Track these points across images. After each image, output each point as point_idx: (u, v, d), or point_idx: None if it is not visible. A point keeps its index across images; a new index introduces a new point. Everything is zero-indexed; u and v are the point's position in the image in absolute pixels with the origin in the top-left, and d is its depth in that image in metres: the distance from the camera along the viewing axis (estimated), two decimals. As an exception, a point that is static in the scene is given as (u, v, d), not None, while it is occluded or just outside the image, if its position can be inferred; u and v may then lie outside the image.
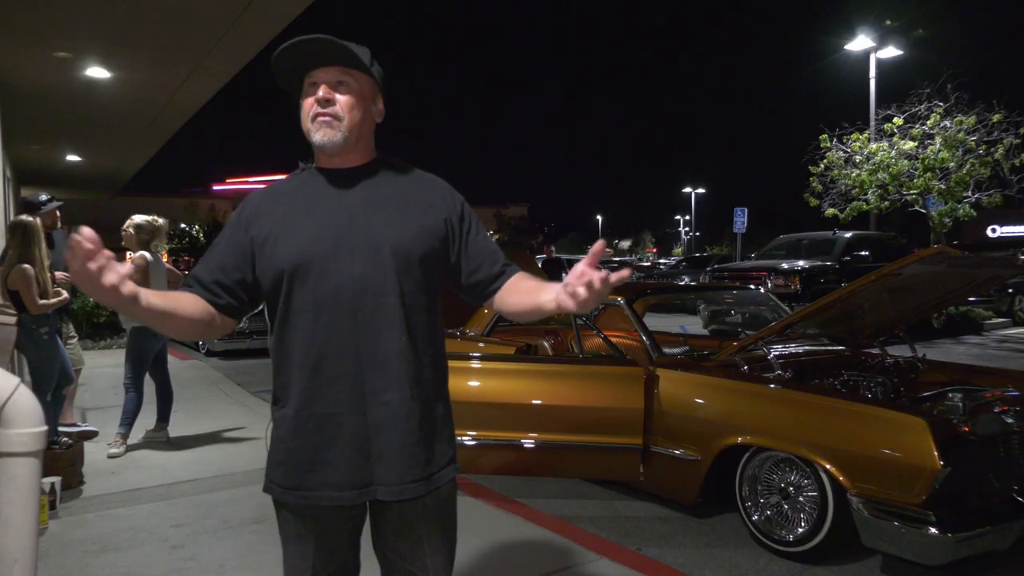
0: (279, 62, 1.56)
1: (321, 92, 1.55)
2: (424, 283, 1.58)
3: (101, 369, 8.13)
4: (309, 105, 1.57)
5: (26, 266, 4.33)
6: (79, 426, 5.27)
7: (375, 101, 1.64)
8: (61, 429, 4.72)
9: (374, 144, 1.67)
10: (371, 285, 1.52)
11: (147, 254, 4.95)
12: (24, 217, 4.55)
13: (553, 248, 17.04)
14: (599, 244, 1.35)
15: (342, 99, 1.56)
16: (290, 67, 1.58)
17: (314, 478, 1.54)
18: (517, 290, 1.61)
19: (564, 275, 1.70)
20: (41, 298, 4.39)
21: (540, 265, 15.03)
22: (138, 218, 5.07)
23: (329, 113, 1.55)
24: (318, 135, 1.56)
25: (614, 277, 1.34)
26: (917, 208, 13.86)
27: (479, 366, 3.98)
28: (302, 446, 1.54)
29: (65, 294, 4.69)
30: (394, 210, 1.58)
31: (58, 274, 4.77)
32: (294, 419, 1.55)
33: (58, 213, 5.43)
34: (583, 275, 1.34)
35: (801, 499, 3.30)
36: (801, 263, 12.06)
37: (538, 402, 3.82)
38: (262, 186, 1.74)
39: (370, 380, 1.52)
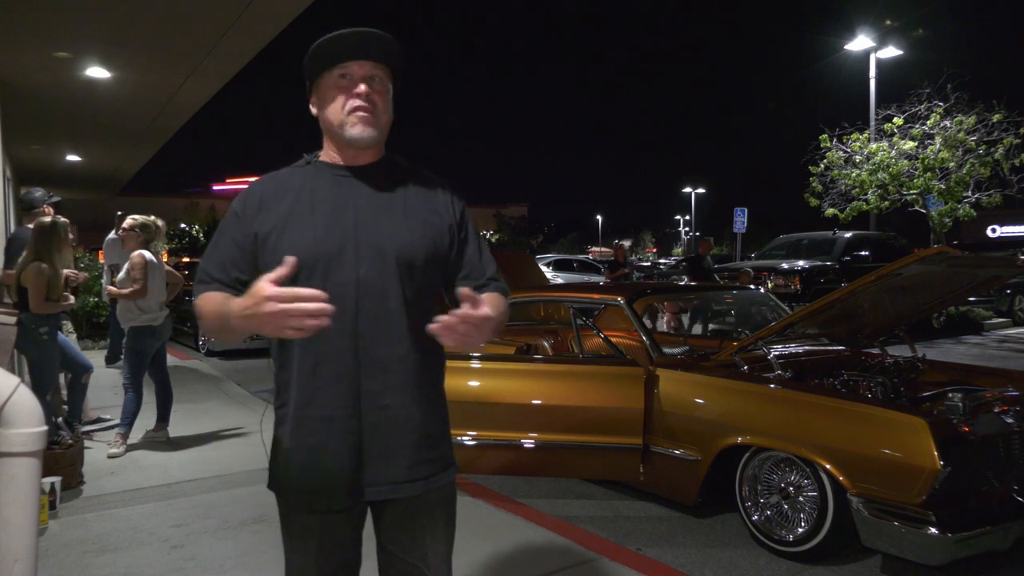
0: (316, 54, 1.52)
1: (362, 87, 1.52)
2: (426, 287, 1.58)
3: (101, 369, 8.11)
4: (344, 99, 1.53)
5: (43, 265, 4.35)
6: (106, 420, 5.27)
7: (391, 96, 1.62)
8: (84, 429, 4.76)
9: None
10: (373, 289, 1.51)
11: (146, 253, 4.95)
12: (47, 218, 4.63)
13: (711, 241, 14.11)
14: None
15: (377, 95, 1.55)
16: (323, 58, 1.54)
17: (311, 479, 1.53)
18: None
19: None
20: (49, 298, 4.40)
21: (686, 265, 13.95)
22: (139, 218, 5.08)
23: (369, 109, 1.53)
24: (355, 129, 1.53)
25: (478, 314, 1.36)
26: (917, 208, 13.85)
27: (479, 366, 3.98)
28: (300, 446, 1.54)
29: (71, 299, 4.69)
30: (399, 213, 1.56)
31: (67, 272, 4.76)
32: (292, 419, 1.55)
33: (45, 208, 5.47)
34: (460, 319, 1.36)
35: (801, 499, 3.30)
36: (801, 263, 12.08)
37: (538, 402, 3.82)
38: None
39: (368, 383, 1.51)
